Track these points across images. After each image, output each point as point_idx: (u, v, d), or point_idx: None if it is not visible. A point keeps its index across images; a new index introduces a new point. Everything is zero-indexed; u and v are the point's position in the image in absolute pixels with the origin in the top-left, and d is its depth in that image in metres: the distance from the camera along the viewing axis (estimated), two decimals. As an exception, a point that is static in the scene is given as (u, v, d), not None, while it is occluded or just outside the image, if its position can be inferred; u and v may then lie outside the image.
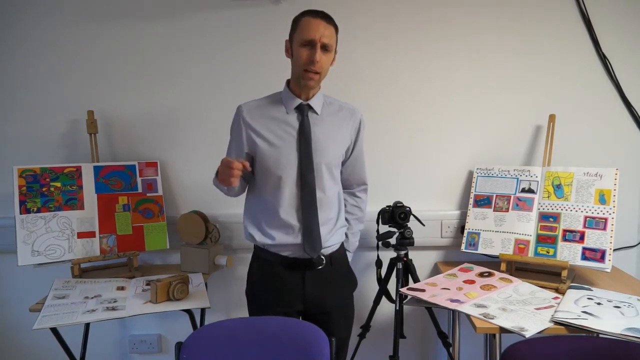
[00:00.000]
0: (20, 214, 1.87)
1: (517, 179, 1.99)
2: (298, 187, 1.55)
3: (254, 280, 1.65)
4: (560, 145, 2.03)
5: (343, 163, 1.68)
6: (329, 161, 1.57)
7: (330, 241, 1.60)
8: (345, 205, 1.73)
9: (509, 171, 2.01)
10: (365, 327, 1.97)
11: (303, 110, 1.55)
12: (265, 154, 1.54)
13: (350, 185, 1.76)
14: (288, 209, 1.55)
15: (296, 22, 1.51)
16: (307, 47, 1.47)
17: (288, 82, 1.59)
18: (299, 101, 1.55)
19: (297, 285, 1.58)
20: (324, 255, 1.59)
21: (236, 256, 2.07)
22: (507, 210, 1.95)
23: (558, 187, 1.90)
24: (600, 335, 1.38)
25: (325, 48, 1.47)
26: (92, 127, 2.03)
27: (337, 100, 1.66)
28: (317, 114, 1.58)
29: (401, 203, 1.88)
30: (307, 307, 1.61)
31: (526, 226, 1.89)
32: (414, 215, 1.89)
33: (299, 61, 1.49)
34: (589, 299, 1.59)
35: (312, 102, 1.57)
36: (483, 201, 2.01)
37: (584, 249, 1.77)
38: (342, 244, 1.70)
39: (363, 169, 1.75)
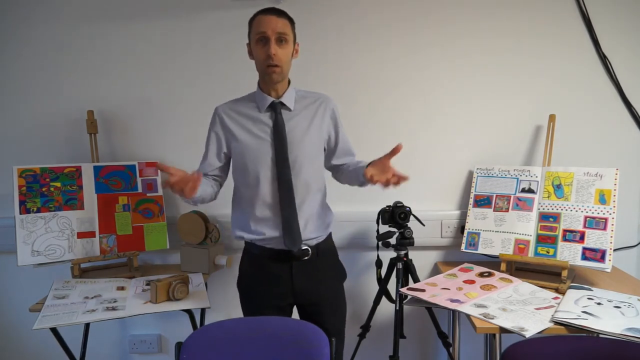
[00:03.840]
0: (20, 214, 1.87)
1: (517, 179, 1.98)
2: (275, 184, 1.56)
3: (244, 273, 1.69)
4: (560, 145, 2.03)
5: (332, 154, 1.68)
6: (306, 154, 1.58)
7: (314, 233, 1.61)
8: (343, 172, 1.70)
9: (509, 171, 2.01)
10: (365, 327, 1.97)
11: (276, 108, 1.57)
12: (242, 153, 1.57)
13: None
14: (268, 205, 1.57)
15: (250, 23, 1.54)
16: (261, 42, 1.49)
17: (259, 82, 1.61)
18: (270, 99, 1.57)
19: (286, 277, 1.60)
20: (310, 247, 1.60)
21: (236, 256, 2.05)
22: (507, 210, 1.95)
23: (558, 187, 1.90)
24: (601, 336, 1.38)
25: (280, 40, 1.48)
26: (92, 127, 2.03)
27: (310, 93, 1.66)
28: (290, 110, 1.59)
29: (401, 203, 1.88)
30: (298, 299, 1.63)
31: (526, 226, 1.89)
32: (414, 215, 1.89)
33: (259, 59, 1.51)
34: (589, 299, 1.59)
35: (284, 99, 1.58)
36: (483, 201, 2.01)
37: (584, 249, 1.76)
38: (330, 235, 1.70)
39: (352, 150, 1.72)
